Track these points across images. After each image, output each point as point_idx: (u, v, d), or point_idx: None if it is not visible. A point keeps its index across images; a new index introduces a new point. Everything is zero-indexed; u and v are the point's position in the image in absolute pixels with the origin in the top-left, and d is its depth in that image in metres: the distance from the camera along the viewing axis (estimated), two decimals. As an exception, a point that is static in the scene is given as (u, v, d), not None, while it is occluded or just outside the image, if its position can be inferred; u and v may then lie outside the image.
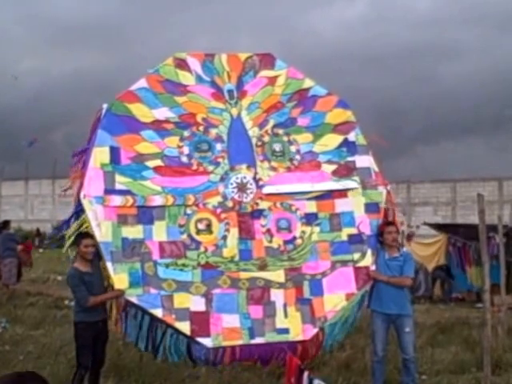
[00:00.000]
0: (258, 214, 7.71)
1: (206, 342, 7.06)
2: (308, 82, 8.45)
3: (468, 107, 77.88)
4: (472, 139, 76.66)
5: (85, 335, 7.28)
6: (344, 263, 7.68)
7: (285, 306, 7.39)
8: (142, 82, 7.96)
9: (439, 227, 21.14)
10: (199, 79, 8.19)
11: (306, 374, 6.20)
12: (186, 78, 8.14)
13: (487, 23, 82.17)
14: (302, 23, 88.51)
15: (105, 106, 7.77)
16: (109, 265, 7.10)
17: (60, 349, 9.68)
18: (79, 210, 7.44)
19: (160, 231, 7.39)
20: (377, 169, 8.19)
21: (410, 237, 21.84)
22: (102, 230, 7.17)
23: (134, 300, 7.05)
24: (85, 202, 7.24)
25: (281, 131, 8.16)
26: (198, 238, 7.47)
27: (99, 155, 7.47)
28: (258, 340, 7.20)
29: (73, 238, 7.36)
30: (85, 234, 7.25)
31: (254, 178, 7.83)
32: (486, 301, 8.25)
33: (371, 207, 7.98)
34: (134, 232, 7.30)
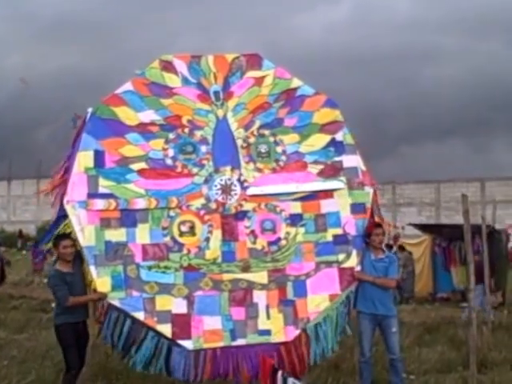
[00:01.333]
0: (242, 215, 7.72)
1: (187, 344, 7.11)
2: (296, 82, 8.40)
3: (449, 109, 78.56)
4: (453, 140, 77.36)
5: (68, 337, 7.30)
6: (328, 264, 7.68)
7: (267, 307, 7.41)
8: (127, 85, 7.97)
9: (424, 228, 21.18)
10: (185, 81, 8.17)
11: (279, 373, 6.26)
12: (172, 81, 8.13)
13: (468, 26, 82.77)
14: (288, 25, 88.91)
15: (89, 109, 7.80)
16: (92, 268, 7.17)
17: (46, 352, 9.65)
18: (62, 216, 7.49)
19: (143, 234, 7.43)
20: (364, 168, 8.16)
21: (396, 238, 21.86)
22: (86, 235, 7.23)
23: (116, 303, 7.12)
24: (68, 208, 7.30)
25: (267, 132, 8.13)
26: (180, 240, 7.50)
27: (83, 159, 7.51)
28: (240, 342, 7.24)
29: (52, 240, 7.46)
30: (63, 236, 7.31)
31: (239, 180, 7.84)
32: (470, 300, 8.25)
33: (357, 207, 7.95)
34: (117, 235, 7.35)
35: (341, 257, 7.72)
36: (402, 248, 19.23)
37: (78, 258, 7.34)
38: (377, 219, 8.12)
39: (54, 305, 14.50)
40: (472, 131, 78.32)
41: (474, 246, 16.51)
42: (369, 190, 8.03)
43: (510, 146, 72.80)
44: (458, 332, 11.59)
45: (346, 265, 7.72)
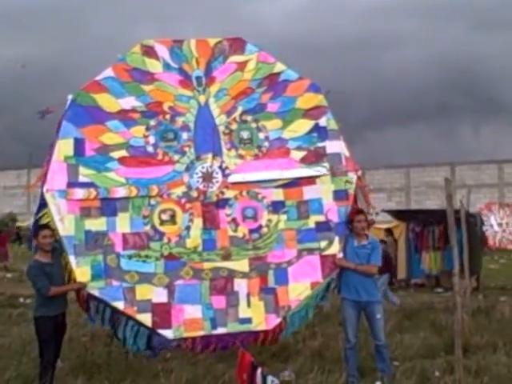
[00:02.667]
0: (223, 203, 7.67)
1: (167, 333, 7.12)
2: (279, 66, 8.28)
3: (412, 94, 79.03)
4: (417, 125, 77.82)
5: (46, 329, 7.25)
6: (310, 251, 7.64)
7: (248, 295, 7.40)
8: (108, 72, 7.87)
9: (397, 214, 21.23)
10: (167, 67, 8.07)
11: (259, 370, 6.23)
12: (153, 66, 8.03)
13: (430, 11, 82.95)
14: (247, 13, 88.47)
15: (69, 96, 7.70)
16: (71, 258, 7.14)
17: (22, 348, 9.47)
18: (42, 204, 7.41)
19: (123, 223, 7.39)
20: (348, 154, 8.06)
21: (369, 224, 21.84)
22: (65, 224, 7.19)
23: (95, 293, 7.11)
24: (47, 197, 7.25)
25: (249, 118, 8.04)
26: (161, 228, 7.47)
27: (63, 147, 7.44)
28: (220, 330, 7.24)
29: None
30: (42, 226, 7.25)
31: (221, 167, 7.78)
32: (456, 284, 8.11)
33: (340, 194, 7.87)
34: (97, 224, 7.31)
35: (323, 244, 7.67)
36: (389, 232, 19.11)
37: (57, 248, 7.29)
38: (363, 205, 8.09)
39: (21, 299, 14.33)
40: (436, 116, 79.00)
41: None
42: (352, 176, 7.95)
43: (475, 130, 73.41)
44: (438, 317, 11.63)
45: (328, 252, 7.67)
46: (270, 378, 6.05)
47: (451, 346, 8.58)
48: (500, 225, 30.72)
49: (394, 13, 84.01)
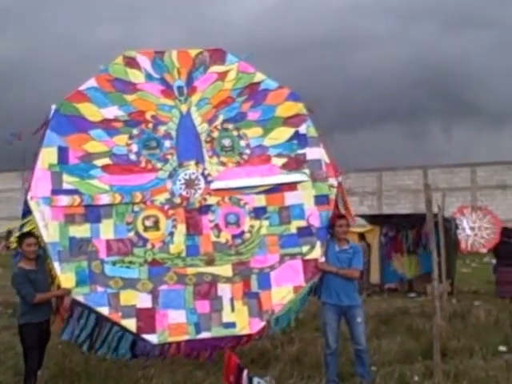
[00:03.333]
0: (205, 209, 7.76)
1: (152, 338, 7.15)
2: (259, 76, 8.47)
3: (383, 95, 79.16)
4: (387, 127, 77.99)
5: (31, 336, 7.28)
6: (293, 256, 7.73)
7: (232, 300, 7.46)
8: (91, 82, 7.98)
9: (371, 218, 21.42)
10: (149, 77, 8.21)
11: (245, 372, 6.28)
12: (135, 76, 8.16)
13: (401, 11, 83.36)
14: (213, 13, 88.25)
15: (53, 106, 7.78)
16: (56, 264, 7.15)
17: None
18: (26, 211, 7.46)
19: (107, 229, 7.45)
20: (328, 160, 8.21)
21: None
22: (50, 231, 7.22)
23: (80, 299, 7.12)
24: (32, 204, 7.29)
25: (230, 126, 8.19)
26: (145, 235, 7.54)
27: (47, 156, 7.51)
28: (205, 335, 7.28)
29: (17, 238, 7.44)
30: (27, 234, 7.28)
31: (203, 174, 7.88)
32: (435, 288, 8.33)
33: (321, 199, 8.00)
34: (81, 231, 7.36)
35: (305, 249, 7.78)
36: (362, 236, 19.23)
37: (41, 255, 7.33)
38: (343, 211, 8.19)
39: None
40: (407, 118, 79.38)
41: (423, 235, 16.90)
42: (332, 181, 8.09)
43: (446, 132, 73.89)
44: (415, 322, 11.72)
45: (310, 256, 7.77)
46: (256, 380, 6.10)
47: (428, 350, 8.69)
48: (472, 228, 30.94)
49: (365, 12, 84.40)
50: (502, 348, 9.71)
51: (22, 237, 7.28)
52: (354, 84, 77.43)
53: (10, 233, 25.09)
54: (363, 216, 21.77)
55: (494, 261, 24.73)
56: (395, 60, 77.37)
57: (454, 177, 39.44)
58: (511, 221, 33.57)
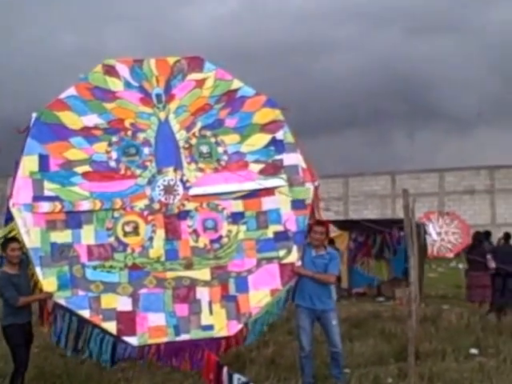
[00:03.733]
0: (184, 215, 7.90)
1: (132, 340, 7.29)
2: (236, 83, 8.61)
3: (345, 101, 79.22)
4: (350, 132, 78.11)
5: (17, 336, 7.39)
6: (269, 260, 7.90)
7: (210, 303, 7.62)
8: (71, 90, 8.08)
9: (340, 223, 21.64)
10: (128, 85, 8.32)
11: (225, 369, 6.44)
12: (114, 85, 8.27)
13: (360, 20, 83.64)
14: (175, 17, 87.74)
15: (34, 115, 7.87)
16: (38, 269, 7.27)
17: None
18: (9, 218, 7.57)
19: (88, 235, 7.58)
20: (305, 165, 8.37)
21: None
22: (31, 237, 7.34)
23: (62, 302, 7.25)
24: (14, 211, 7.41)
25: (208, 133, 8.34)
26: (125, 240, 7.67)
27: (28, 164, 7.62)
28: (184, 337, 7.44)
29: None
30: (11, 239, 7.39)
31: (181, 180, 8.02)
32: (411, 292, 8.51)
33: (297, 204, 8.17)
34: (62, 236, 7.48)
35: (281, 253, 7.94)
36: (331, 242, 19.41)
37: (23, 259, 7.43)
38: (316, 216, 8.36)
39: None
40: (370, 123, 79.66)
41: (392, 239, 17.22)
42: (309, 186, 8.27)
43: (410, 137, 74.29)
44: (387, 325, 11.94)
45: (287, 260, 7.93)
46: (236, 376, 6.25)
47: (400, 353, 9.00)
48: (439, 234, 31.42)
49: (327, 18, 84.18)
50: (474, 351, 9.94)
51: (6, 242, 7.37)
52: (316, 90, 77.59)
53: None
54: (332, 221, 21.94)
55: (460, 265, 25.18)
56: (358, 66, 77.66)
57: (421, 182, 39.89)
58: (479, 226, 33.99)
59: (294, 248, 8.02)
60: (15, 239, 7.35)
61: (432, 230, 26.38)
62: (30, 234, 7.35)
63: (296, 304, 8.14)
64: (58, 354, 9.06)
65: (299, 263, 7.99)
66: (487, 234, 15.89)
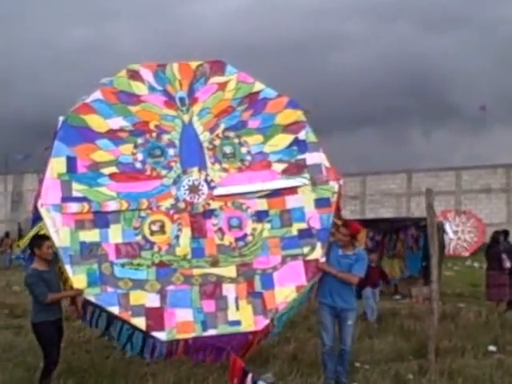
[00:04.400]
0: (209, 213, 8.05)
1: (161, 335, 7.43)
2: (258, 86, 8.83)
3: (360, 97, 78.53)
4: (365, 129, 77.52)
5: (49, 333, 7.45)
6: (294, 257, 8.02)
7: (236, 299, 7.73)
8: (96, 94, 8.30)
9: (359, 222, 21.77)
10: (152, 89, 8.54)
11: (249, 376, 6.33)
12: (139, 88, 8.50)
13: (377, 14, 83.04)
14: (186, 13, 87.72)
15: (61, 118, 8.10)
16: (68, 267, 7.43)
17: (5, 354, 9.55)
18: (37, 218, 7.76)
19: (116, 234, 7.74)
20: (328, 164, 8.52)
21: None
22: (61, 236, 7.50)
23: (92, 299, 7.39)
24: (42, 211, 7.56)
25: (231, 134, 8.53)
26: (151, 238, 7.83)
27: (56, 165, 7.81)
28: (211, 332, 7.56)
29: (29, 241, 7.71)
30: (44, 237, 7.49)
31: (206, 180, 8.19)
32: (433, 290, 8.59)
33: (321, 202, 8.30)
34: (91, 236, 7.65)
35: (306, 249, 8.05)
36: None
37: (53, 257, 7.53)
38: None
39: None
40: (386, 121, 79.15)
41: (409, 238, 17.37)
42: (333, 184, 8.40)
43: (426, 134, 73.55)
44: (406, 323, 11.96)
45: (311, 257, 8.04)
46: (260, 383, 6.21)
47: (419, 350, 9.04)
48: (455, 232, 31.50)
49: (340, 13, 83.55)
50: (492, 348, 9.94)
51: (40, 240, 7.47)
52: (330, 86, 77.40)
53: (7, 235, 25.15)
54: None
55: (476, 264, 25.19)
56: (371, 61, 77.24)
57: (438, 181, 39.73)
58: (495, 225, 33.80)
59: (318, 245, 8.13)
60: (47, 237, 7.47)
61: (449, 228, 26.36)
62: (60, 234, 7.52)
63: (318, 301, 8.19)
64: (84, 350, 9.23)
65: (323, 260, 8.08)
66: (506, 233, 15.95)
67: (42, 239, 7.44)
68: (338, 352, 8.10)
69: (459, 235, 31.68)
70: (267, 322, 7.77)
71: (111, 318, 7.51)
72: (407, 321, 12.22)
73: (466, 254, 30.73)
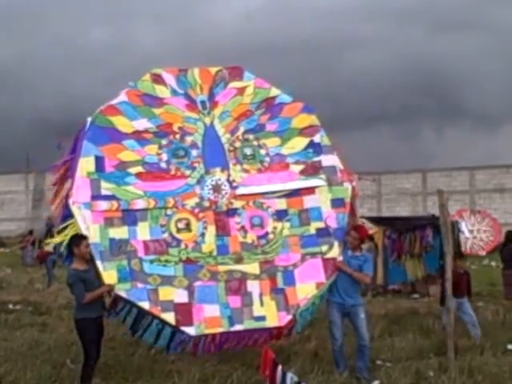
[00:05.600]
0: (232, 212, 8.56)
1: (190, 330, 7.86)
2: (274, 91, 9.43)
3: (374, 96, 79.20)
4: (380, 128, 77.95)
5: (90, 330, 7.83)
6: (313, 255, 8.52)
7: (261, 295, 8.21)
8: (122, 97, 8.85)
9: (377, 221, 22.04)
10: (174, 92, 9.12)
11: (279, 367, 6.89)
12: (162, 92, 9.07)
13: (389, 13, 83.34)
14: (203, 13, 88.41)
15: (89, 119, 8.62)
16: (99, 263, 7.87)
17: (31, 350, 9.95)
18: (67, 215, 8.23)
19: (143, 231, 8.21)
20: (342, 166, 9.08)
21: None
22: (91, 233, 7.95)
23: (123, 294, 7.84)
24: (74, 209, 8.03)
25: (251, 136, 9.08)
26: (178, 236, 8.30)
27: (85, 165, 8.29)
28: (238, 327, 8.01)
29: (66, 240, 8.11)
30: (82, 236, 7.89)
31: (228, 180, 8.71)
32: (448, 288, 8.95)
33: (337, 202, 8.83)
34: (120, 232, 8.12)
35: (324, 248, 8.56)
36: (370, 238, 19.66)
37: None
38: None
39: (11, 306, 14.76)
40: (399, 119, 79.65)
41: (425, 236, 17.64)
42: (347, 185, 8.96)
43: (440, 134, 73.90)
44: (425, 321, 12.42)
45: (329, 255, 8.55)
46: (289, 375, 6.67)
47: (439, 347, 9.50)
48: (471, 231, 31.71)
49: (354, 14, 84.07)
50: (511, 346, 10.32)
51: (78, 239, 7.87)
52: (344, 85, 77.80)
53: (30, 232, 25.61)
54: (368, 218, 22.31)
55: (493, 263, 25.38)
56: (386, 62, 77.70)
57: (452, 180, 39.92)
58: (509, 224, 34.14)
59: (336, 244, 8.65)
60: (85, 236, 7.88)
61: (465, 227, 26.54)
62: (90, 231, 7.97)
63: (327, 299, 8.74)
64: (108, 347, 9.55)
65: (341, 258, 8.62)
66: None
67: (80, 238, 7.85)
68: (357, 348, 8.63)
69: (475, 234, 31.82)
70: (290, 317, 8.23)
71: (141, 313, 7.94)
72: (426, 319, 12.69)
73: (483, 252, 30.94)
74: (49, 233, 37.58)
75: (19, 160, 46.98)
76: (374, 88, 78.36)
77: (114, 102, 8.80)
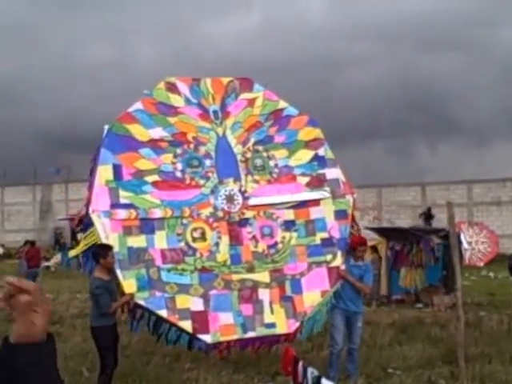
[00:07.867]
0: (244, 222, 9.15)
1: (206, 338, 8.40)
2: (282, 104, 9.99)
3: (367, 113, 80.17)
4: (372, 144, 78.93)
5: (107, 338, 7.95)
6: (319, 264, 9.11)
7: (271, 303, 8.80)
8: (138, 105, 9.31)
9: (380, 231, 22.09)
10: (188, 101, 9.59)
11: (300, 363, 7.35)
12: (176, 101, 9.53)
13: (378, 33, 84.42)
14: (201, 32, 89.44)
15: (106, 126, 9.06)
16: (118, 272, 8.28)
17: None
18: (89, 224, 8.52)
19: (161, 240, 8.66)
20: (344, 179, 9.67)
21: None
22: (110, 241, 8.33)
23: (142, 303, 8.28)
24: (94, 217, 8.44)
25: (260, 148, 9.61)
26: (194, 245, 8.80)
27: (104, 173, 8.70)
28: (251, 334, 8.61)
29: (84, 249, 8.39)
30: (108, 246, 8.04)
31: (240, 190, 9.26)
32: (458, 298, 9.18)
33: (340, 214, 9.42)
34: (138, 241, 8.53)
35: (328, 257, 9.14)
36: (374, 249, 19.78)
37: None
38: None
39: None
40: (391, 135, 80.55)
41: (428, 248, 17.71)
42: (349, 198, 9.56)
43: (432, 149, 74.53)
44: (433, 330, 12.70)
45: (333, 264, 9.12)
46: (309, 370, 6.94)
47: (448, 356, 10.01)
48: (469, 243, 32.01)
49: (345, 34, 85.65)
50: None
51: (104, 249, 8.00)
52: (337, 103, 78.51)
53: (26, 243, 25.71)
54: (372, 229, 22.37)
55: (491, 274, 25.45)
56: (378, 79, 78.75)
57: (450, 193, 40.25)
58: (506, 236, 34.56)
59: (339, 253, 9.28)
60: (111, 246, 8.08)
61: (463, 239, 26.82)
62: (109, 239, 8.35)
63: (333, 305, 9.20)
64: (123, 355, 9.79)
65: (343, 267, 9.21)
66: None
67: (106, 249, 8.07)
68: (348, 351, 9.15)
69: (473, 246, 32.14)
70: (298, 324, 8.87)
71: (159, 321, 8.40)
72: (433, 328, 13.18)
73: (481, 264, 31.31)
74: (57, 243, 37.97)
75: (26, 172, 47.42)
76: (366, 105, 79.24)
77: (130, 109, 9.25)
